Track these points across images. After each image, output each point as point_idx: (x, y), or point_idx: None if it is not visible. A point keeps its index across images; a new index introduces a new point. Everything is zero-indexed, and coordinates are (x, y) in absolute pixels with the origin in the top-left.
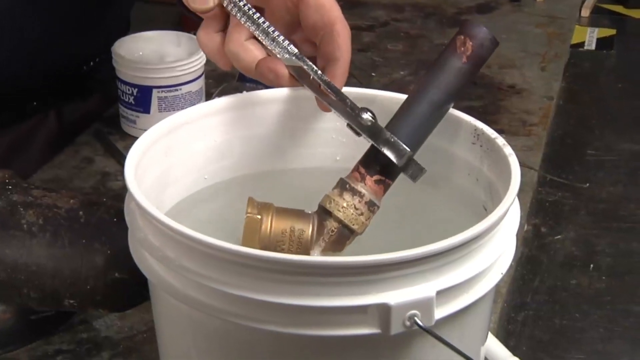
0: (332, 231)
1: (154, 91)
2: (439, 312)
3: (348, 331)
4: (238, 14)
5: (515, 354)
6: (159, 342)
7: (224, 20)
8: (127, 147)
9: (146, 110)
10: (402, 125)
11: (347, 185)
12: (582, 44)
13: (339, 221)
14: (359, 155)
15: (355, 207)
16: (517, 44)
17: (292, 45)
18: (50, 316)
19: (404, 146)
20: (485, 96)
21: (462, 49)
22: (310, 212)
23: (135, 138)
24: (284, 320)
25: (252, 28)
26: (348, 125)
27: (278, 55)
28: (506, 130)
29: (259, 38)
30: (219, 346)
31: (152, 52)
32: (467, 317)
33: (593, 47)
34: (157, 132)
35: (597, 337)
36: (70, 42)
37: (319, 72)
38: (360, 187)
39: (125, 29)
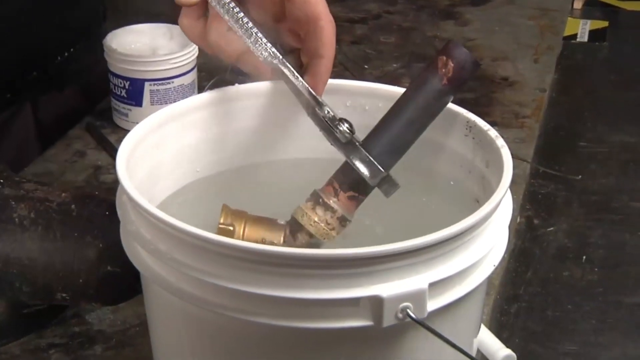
0: (302, 244)
1: (146, 84)
2: (432, 305)
3: (340, 324)
4: (221, 11)
5: (508, 346)
6: (151, 335)
7: (205, 6)
8: (119, 140)
9: (138, 103)
10: (378, 144)
11: (321, 200)
12: (574, 36)
13: (310, 235)
14: None
15: (327, 222)
16: (510, 36)
17: (274, 49)
18: (43, 310)
19: (379, 167)
20: (477, 88)
21: (444, 70)
22: (283, 222)
23: (128, 131)
24: (276, 313)
25: (235, 27)
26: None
27: (260, 57)
28: (499, 122)
29: (242, 38)
30: (212, 339)
31: (144, 45)
32: (460, 309)
33: (585, 39)
34: (149, 125)
35: (590, 329)
36: (40, 30)
37: (300, 78)
38: (333, 202)
39: (101, 19)
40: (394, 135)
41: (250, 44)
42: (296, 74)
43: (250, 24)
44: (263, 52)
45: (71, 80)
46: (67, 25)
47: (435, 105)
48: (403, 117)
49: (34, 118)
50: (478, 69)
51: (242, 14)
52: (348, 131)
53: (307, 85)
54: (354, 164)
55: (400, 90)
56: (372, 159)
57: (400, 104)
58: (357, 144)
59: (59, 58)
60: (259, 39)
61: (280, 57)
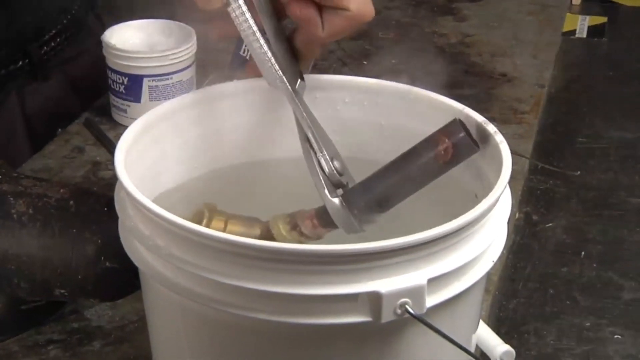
0: None
1: (145, 80)
2: (430, 300)
3: (339, 319)
4: (240, 26)
5: (506, 342)
6: (150, 331)
7: None
8: (118, 137)
9: (137, 99)
10: (362, 199)
11: (298, 228)
12: (573, 32)
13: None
14: (348, 145)
15: (298, 239)
16: (509, 32)
17: (284, 79)
18: (41, 306)
19: (357, 227)
20: (476, 84)
21: (442, 151)
22: (259, 229)
23: (126, 127)
24: (274, 309)
25: (248, 46)
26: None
27: (267, 81)
28: (497, 118)
29: (254, 57)
30: (210, 335)
31: (142, 41)
32: (459, 305)
33: (584, 35)
34: (147, 121)
35: (588, 325)
36: (25, 18)
37: (305, 116)
38: (307, 231)
39: (88, 8)
40: (380, 194)
41: (260, 67)
42: (304, 114)
43: (264, 49)
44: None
45: (57, 71)
46: (50, 13)
47: (425, 178)
48: (392, 181)
49: (21, 109)
50: (477, 150)
51: (259, 36)
52: (338, 195)
53: (309, 124)
54: (334, 218)
55: (399, 86)
56: (352, 218)
57: (393, 167)
58: (342, 203)
59: (44, 48)
60: (270, 63)
61: (289, 87)
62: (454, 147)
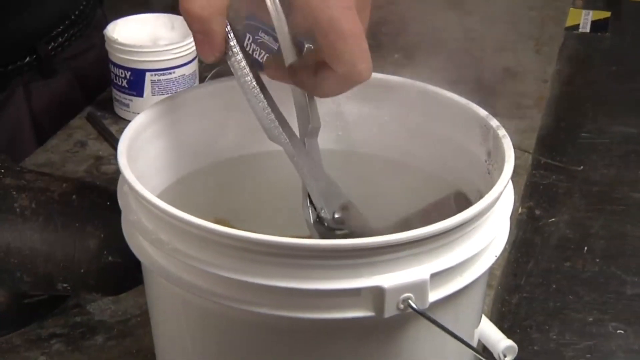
0: None
1: (147, 74)
2: (433, 295)
3: (341, 314)
4: (239, 79)
5: (509, 337)
6: (152, 326)
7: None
8: (121, 131)
9: (139, 93)
10: None
11: None
12: (576, 27)
13: None
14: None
15: None
16: (512, 26)
17: (284, 135)
18: (44, 300)
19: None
20: (479, 79)
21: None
22: None
23: (129, 121)
24: (277, 303)
25: (247, 99)
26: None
27: (267, 134)
28: (500, 112)
29: (251, 107)
30: (213, 329)
31: (145, 35)
32: (461, 300)
33: (588, 29)
34: (150, 115)
35: (591, 320)
36: (32, 14)
37: (306, 173)
38: None
39: (96, 4)
40: None
41: (256, 113)
42: (297, 159)
43: (263, 104)
44: (269, 124)
45: (64, 66)
46: (59, 9)
47: None
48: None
49: (27, 105)
50: None
51: (258, 90)
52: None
53: (307, 176)
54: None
55: (402, 80)
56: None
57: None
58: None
59: (52, 44)
60: (269, 121)
61: (288, 141)
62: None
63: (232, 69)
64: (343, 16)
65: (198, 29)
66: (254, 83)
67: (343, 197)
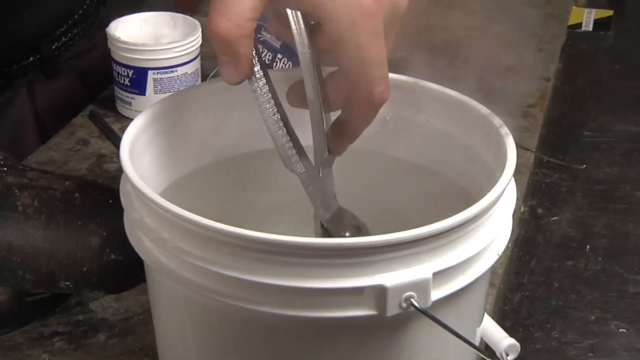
0: None
1: (150, 73)
2: (436, 294)
3: (344, 313)
4: (261, 105)
5: (511, 335)
6: (155, 324)
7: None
8: (123, 129)
9: (142, 92)
10: None
11: None
12: (579, 25)
13: None
14: None
15: None
16: (514, 24)
17: (300, 164)
18: (46, 298)
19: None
20: (482, 77)
21: None
22: None
23: (131, 120)
24: (279, 302)
25: (266, 123)
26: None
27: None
28: (502, 111)
29: (270, 131)
30: (215, 328)
31: (147, 34)
32: (464, 299)
33: (590, 28)
34: (152, 113)
35: (593, 318)
36: (35, 13)
37: (315, 195)
38: None
39: (100, 3)
40: None
41: (275, 140)
42: (307, 183)
43: (282, 124)
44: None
45: (68, 65)
46: (63, 9)
47: None
48: None
49: (31, 104)
50: None
51: (278, 116)
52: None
53: (319, 206)
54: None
55: (404, 78)
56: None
57: None
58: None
59: (55, 43)
60: (286, 146)
61: (303, 171)
62: None
63: (253, 93)
64: (369, 43)
65: (224, 51)
66: (275, 109)
67: (356, 221)
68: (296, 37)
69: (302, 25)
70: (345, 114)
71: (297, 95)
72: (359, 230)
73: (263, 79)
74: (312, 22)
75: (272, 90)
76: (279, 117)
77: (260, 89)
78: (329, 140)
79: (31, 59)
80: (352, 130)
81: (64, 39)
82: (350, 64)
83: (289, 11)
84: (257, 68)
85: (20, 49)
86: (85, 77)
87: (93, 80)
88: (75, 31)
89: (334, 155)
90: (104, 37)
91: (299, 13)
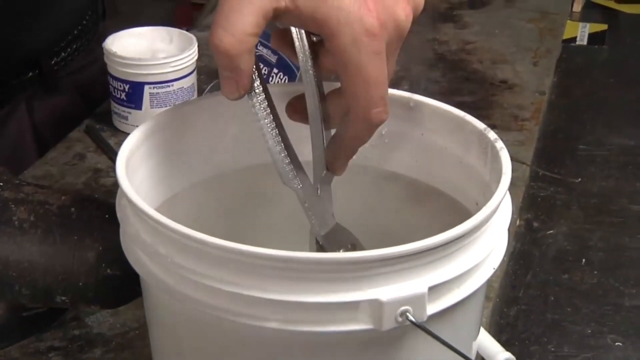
0: None
1: (146, 87)
2: (431, 308)
3: (340, 327)
4: (259, 121)
5: (507, 349)
6: (151, 339)
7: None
8: (119, 144)
9: (138, 106)
10: None
11: None
12: (574, 39)
13: None
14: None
15: None
16: (509, 39)
17: (297, 180)
18: (42, 313)
19: None
20: (477, 91)
21: None
22: None
23: (127, 134)
24: (276, 317)
25: (265, 141)
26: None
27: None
28: (498, 125)
29: (268, 147)
30: (211, 342)
31: (143, 48)
32: (459, 312)
33: (585, 42)
34: (148, 128)
35: (589, 332)
36: (34, 29)
37: (311, 212)
38: None
39: (99, 19)
40: None
41: (273, 155)
42: (304, 199)
43: (280, 140)
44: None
45: (67, 80)
46: (62, 25)
47: None
48: None
49: (29, 119)
50: None
51: (276, 131)
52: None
53: (315, 224)
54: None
55: (399, 93)
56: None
57: None
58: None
59: (55, 58)
60: (284, 157)
61: (300, 188)
62: None
63: (252, 108)
64: (370, 62)
65: (226, 65)
66: (274, 125)
67: (351, 239)
68: (299, 53)
69: (305, 42)
70: (341, 130)
71: (297, 110)
72: (354, 248)
73: (262, 94)
74: (314, 39)
75: (271, 106)
76: (277, 132)
77: (260, 104)
78: (326, 155)
79: (30, 74)
80: (346, 146)
81: (63, 54)
82: (350, 82)
83: (292, 27)
84: (257, 83)
85: (20, 64)
86: (84, 91)
87: (92, 95)
88: (74, 46)
89: (332, 174)
90: (103, 52)
91: (302, 30)
